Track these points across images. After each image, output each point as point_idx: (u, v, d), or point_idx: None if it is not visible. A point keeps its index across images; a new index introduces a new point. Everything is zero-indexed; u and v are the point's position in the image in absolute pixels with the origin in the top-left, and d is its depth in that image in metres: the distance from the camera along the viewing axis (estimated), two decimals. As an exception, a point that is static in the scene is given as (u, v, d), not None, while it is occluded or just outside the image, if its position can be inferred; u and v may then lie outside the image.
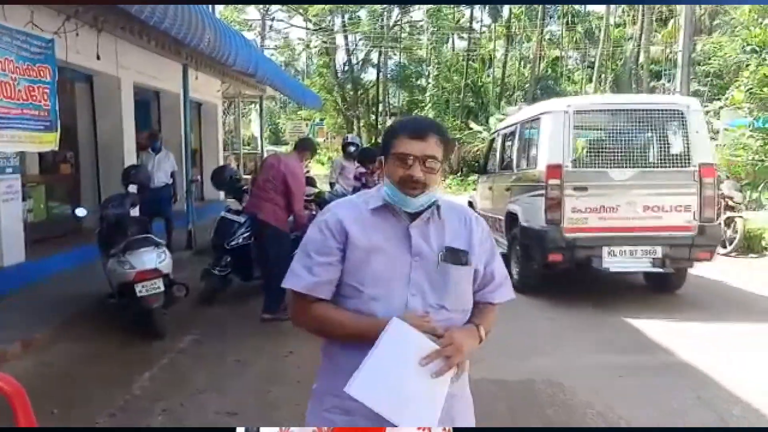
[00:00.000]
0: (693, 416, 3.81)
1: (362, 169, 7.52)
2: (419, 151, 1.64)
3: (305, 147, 6.13)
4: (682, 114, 6.44)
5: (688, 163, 6.29)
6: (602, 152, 6.45)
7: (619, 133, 6.47)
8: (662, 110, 6.64)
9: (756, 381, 4.33)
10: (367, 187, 6.92)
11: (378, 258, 1.65)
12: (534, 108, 7.76)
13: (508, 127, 8.48)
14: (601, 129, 7.01)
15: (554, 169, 6.30)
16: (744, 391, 4.12)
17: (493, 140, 9.59)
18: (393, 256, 1.66)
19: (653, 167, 6.47)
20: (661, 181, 6.36)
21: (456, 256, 1.67)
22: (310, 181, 8.15)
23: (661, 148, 6.55)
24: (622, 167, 6.32)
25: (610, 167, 6.33)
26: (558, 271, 6.80)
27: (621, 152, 6.36)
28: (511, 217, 7.31)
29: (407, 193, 1.64)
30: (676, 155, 6.40)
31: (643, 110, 6.59)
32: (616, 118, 6.58)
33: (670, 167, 6.36)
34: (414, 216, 1.68)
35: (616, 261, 6.36)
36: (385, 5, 33.95)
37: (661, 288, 7.06)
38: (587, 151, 6.84)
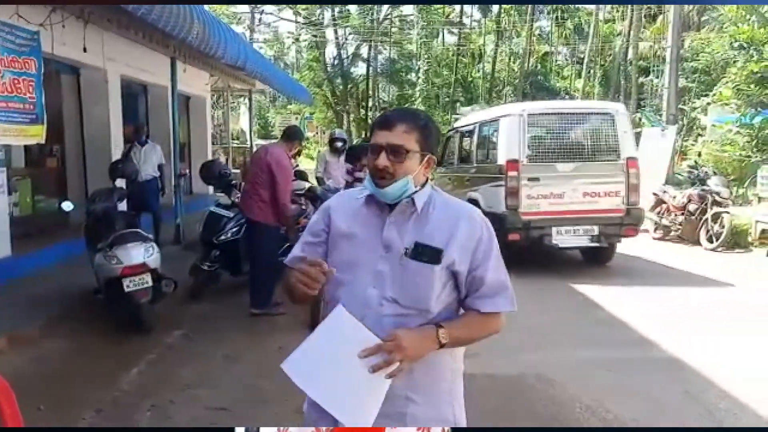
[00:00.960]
0: (681, 410, 3.85)
1: (349, 166, 7.57)
2: (384, 140, 1.65)
3: (292, 136, 5.94)
4: (612, 117, 7.79)
5: (618, 157, 7.65)
6: (551, 148, 7.71)
7: (564, 132, 7.83)
8: (597, 114, 8.06)
9: (739, 370, 4.38)
10: (359, 181, 6.94)
11: (348, 245, 1.71)
12: (492, 111, 9.35)
13: (465, 126, 9.31)
14: (549, 130, 8.00)
15: (512, 163, 7.50)
16: (729, 384, 4.15)
17: (449, 137, 10.30)
18: (366, 245, 1.69)
19: (590, 161, 7.68)
20: (597, 172, 7.65)
21: (423, 253, 1.63)
22: (302, 175, 8.10)
23: (596, 145, 7.80)
24: (566, 161, 7.61)
25: (557, 161, 7.60)
26: (515, 249, 7.37)
27: (565, 148, 7.68)
28: (473, 204, 7.95)
29: (376, 182, 1.66)
30: (608, 151, 7.71)
31: (582, 114, 8.10)
32: (561, 121, 7.88)
33: (603, 161, 7.67)
34: (394, 208, 1.69)
35: (562, 238, 7.62)
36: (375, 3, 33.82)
37: (595, 260, 8.26)
38: (539, 148, 7.81)
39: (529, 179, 7.48)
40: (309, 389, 1.59)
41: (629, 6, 25.72)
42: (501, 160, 7.68)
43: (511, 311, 1.73)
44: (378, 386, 1.54)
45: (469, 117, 9.83)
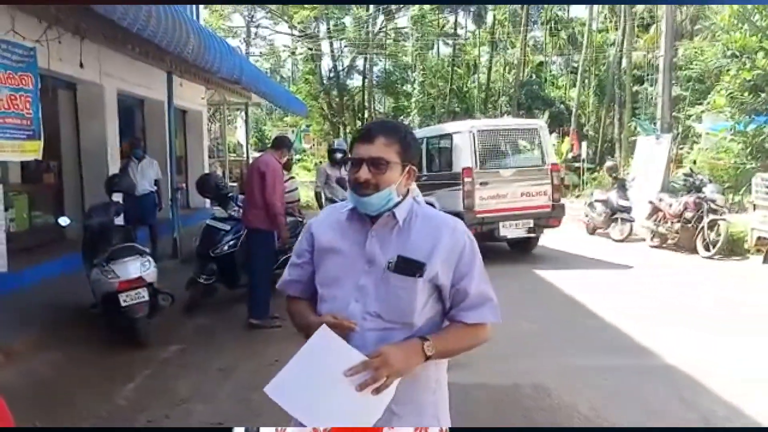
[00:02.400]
0: (676, 416, 3.85)
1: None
2: (365, 153, 1.65)
3: (280, 144, 6.15)
4: (537, 131, 9.80)
5: (544, 162, 9.53)
6: (494, 157, 9.40)
7: (503, 144, 9.64)
8: (527, 129, 10.12)
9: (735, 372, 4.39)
10: None
11: (332, 260, 1.71)
12: (442, 127, 11.42)
13: None
14: (492, 142, 9.51)
15: (468, 170, 9.09)
16: (725, 389, 4.16)
17: None
18: (349, 259, 1.69)
19: (525, 167, 9.50)
20: (530, 175, 9.41)
21: (406, 267, 1.63)
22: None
23: (527, 153, 9.91)
24: (507, 168, 9.37)
25: (500, 168, 9.33)
26: None
27: (506, 157, 9.55)
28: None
29: (358, 194, 1.65)
30: (537, 158, 9.65)
31: (515, 129, 10.22)
32: (501, 135, 9.70)
33: (533, 166, 9.54)
34: (376, 221, 1.69)
35: (507, 231, 9.28)
36: (369, 11, 34.03)
37: (521, 250, 9.92)
38: (486, 157, 9.36)
39: (481, 183, 9.09)
40: (295, 411, 1.57)
41: (622, 16, 25.90)
42: (457, 168, 9.23)
43: (496, 322, 1.73)
44: (376, 401, 1.54)
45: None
